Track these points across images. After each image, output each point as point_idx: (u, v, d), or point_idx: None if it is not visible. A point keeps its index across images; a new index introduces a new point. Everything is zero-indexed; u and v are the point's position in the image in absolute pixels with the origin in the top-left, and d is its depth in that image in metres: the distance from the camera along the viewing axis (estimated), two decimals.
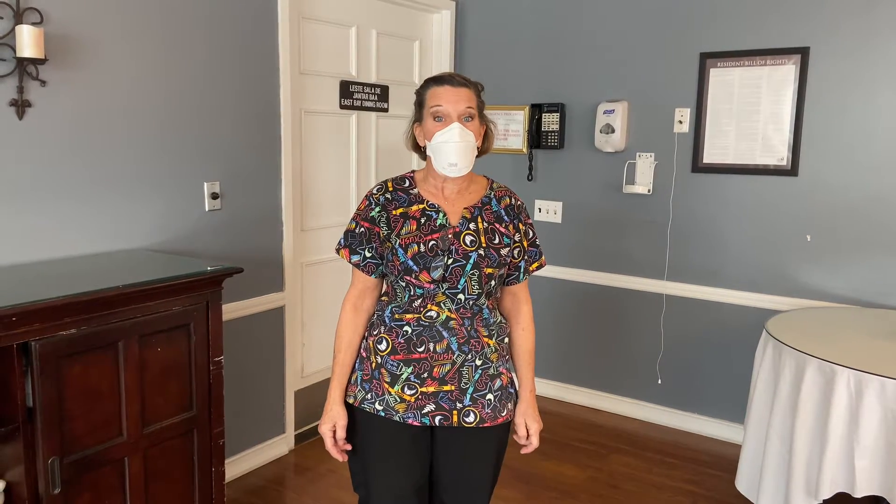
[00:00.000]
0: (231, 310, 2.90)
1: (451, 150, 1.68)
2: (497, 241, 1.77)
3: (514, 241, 1.81)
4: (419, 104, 1.78)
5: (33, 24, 2.16)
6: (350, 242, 1.79)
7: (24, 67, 2.18)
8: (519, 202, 1.87)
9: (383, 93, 3.80)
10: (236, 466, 3.08)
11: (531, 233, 1.87)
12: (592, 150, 3.75)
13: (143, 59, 2.54)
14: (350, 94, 3.62)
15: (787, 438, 2.40)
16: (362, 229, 1.78)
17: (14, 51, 2.13)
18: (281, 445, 3.33)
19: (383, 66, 3.79)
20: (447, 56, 4.11)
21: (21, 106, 2.20)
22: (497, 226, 1.79)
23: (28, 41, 2.10)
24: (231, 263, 2.46)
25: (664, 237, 3.61)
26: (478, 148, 1.78)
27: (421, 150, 1.81)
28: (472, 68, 4.11)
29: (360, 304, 1.82)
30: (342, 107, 3.59)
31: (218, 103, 2.84)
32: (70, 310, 1.88)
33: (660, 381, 3.72)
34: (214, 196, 2.86)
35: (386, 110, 3.83)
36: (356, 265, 1.79)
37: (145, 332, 2.09)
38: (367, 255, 1.77)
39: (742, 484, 2.67)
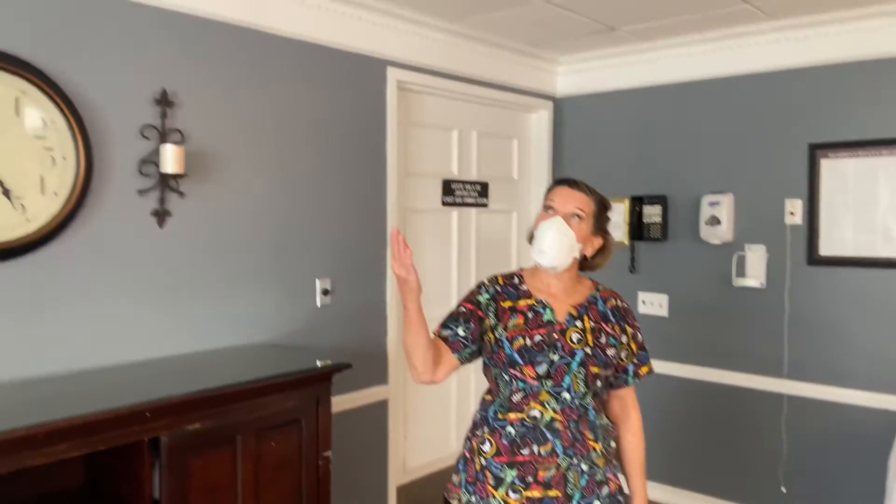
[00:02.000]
0: (336, 403, 2.97)
1: (546, 237, 1.74)
2: (604, 340, 1.77)
3: (622, 343, 1.80)
4: (544, 200, 1.85)
5: (175, 143, 2.42)
6: (446, 320, 1.83)
7: (167, 181, 2.43)
8: (625, 305, 1.87)
9: (483, 189, 3.93)
10: None
11: (639, 336, 1.86)
12: (698, 242, 3.67)
13: (265, 169, 2.77)
14: (451, 191, 3.76)
15: None
16: (463, 310, 1.82)
17: (158, 167, 2.39)
18: None
19: (483, 164, 3.93)
20: (545, 152, 4.21)
21: (161, 215, 2.44)
22: (603, 325, 1.79)
23: (171, 159, 2.36)
24: (339, 357, 2.55)
25: (780, 333, 3.44)
26: (585, 256, 1.81)
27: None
28: (570, 162, 4.18)
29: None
30: (444, 203, 3.72)
31: (330, 205, 3.03)
32: (197, 405, 2.01)
33: (783, 490, 3.45)
34: (325, 292, 3.00)
35: (486, 205, 3.94)
36: (444, 339, 1.79)
37: (261, 426, 2.18)
38: (460, 333, 1.79)
39: None
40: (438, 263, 3.72)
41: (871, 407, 3.18)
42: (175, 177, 2.42)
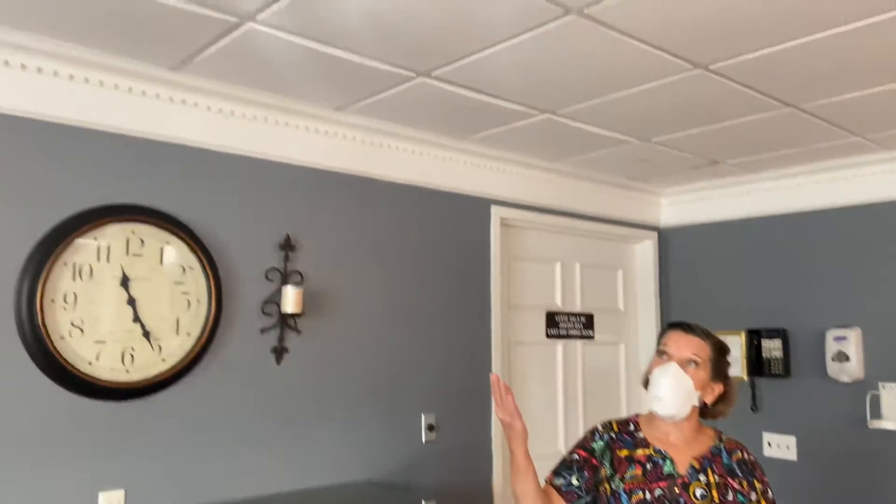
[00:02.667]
0: None
1: (661, 385, 1.69)
2: (731, 497, 1.66)
3: (751, 501, 1.68)
4: (657, 344, 1.82)
5: (295, 284, 2.59)
6: (558, 468, 1.77)
7: (286, 320, 2.58)
8: (752, 457, 1.76)
9: (588, 321, 3.88)
10: None
11: (770, 493, 1.73)
12: (825, 379, 3.43)
13: (374, 306, 2.89)
14: (556, 323, 3.74)
15: None
16: (577, 457, 1.76)
17: (279, 307, 2.55)
18: None
19: (587, 295, 3.91)
20: (651, 282, 4.15)
21: (279, 352, 2.58)
22: (730, 480, 1.68)
23: (291, 299, 2.51)
24: (444, 496, 2.52)
25: None
26: (705, 403, 1.75)
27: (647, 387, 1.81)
28: (678, 293, 4.09)
29: None
30: (548, 336, 3.70)
31: (436, 339, 3.09)
32: None
33: None
34: (430, 427, 3.00)
35: (592, 338, 3.88)
36: (557, 488, 1.73)
37: None
38: (573, 482, 1.72)
39: None
40: (544, 397, 3.65)
41: None
42: (293, 316, 2.57)
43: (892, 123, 2.84)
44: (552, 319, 3.73)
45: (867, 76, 2.34)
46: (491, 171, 3.35)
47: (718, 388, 1.76)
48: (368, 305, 2.87)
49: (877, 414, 3.24)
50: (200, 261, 2.36)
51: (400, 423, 2.92)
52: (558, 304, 3.78)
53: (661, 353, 1.76)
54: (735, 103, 2.61)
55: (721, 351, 1.77)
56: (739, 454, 1.75)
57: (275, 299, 2.57)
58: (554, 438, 3.63)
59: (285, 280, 2.60)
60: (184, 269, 2.34)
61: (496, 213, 3.39)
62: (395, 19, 1.94)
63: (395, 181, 3.00)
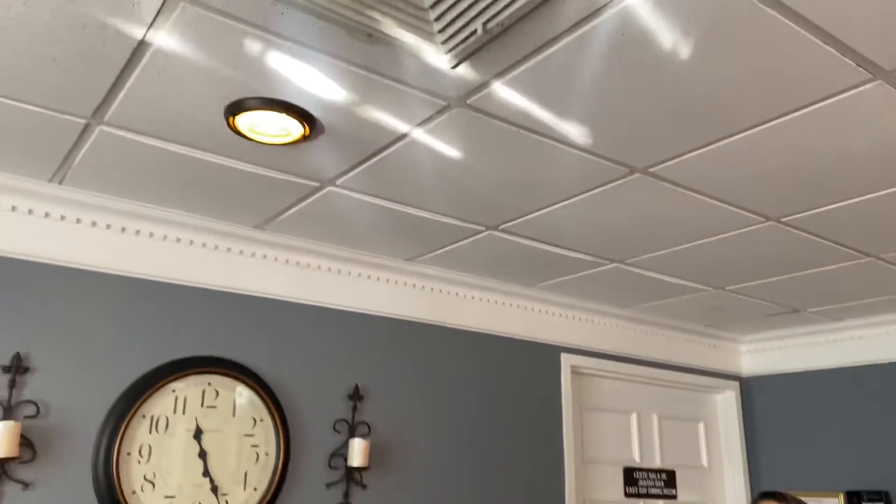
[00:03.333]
0: None
1: None
2: None
3: None
4: None
5: (363, 436, 2.56)
6: None
7: (352, 474, 2.53)
8: None
9: (670, 478, 3.64)
10: None
11: None
12: None
13: (442, 458, 2.81)
14: (634, 480, 3.52)
15: None
16: None
17: (346, 460, 2.51)
18: None
19: (667, 450, 3.69)
20: (736, 436, 3.89)
21: None
22: None
23: (358, 452, 2.48)
24: None
25: None
26: None
27: None
28: (766, 448, 3.81)
29: None
30: (627, 495, 3.47)
31: (506, 491, 2.94)
32: None
33: None
34: None
35: (674, 497, 3.62)
36: None
37: None
38: None
39: None
40: None
41: None
42: (360, 470, 2.51)
43: None
44: (630, 476, 3.51)
45: None
46: (561, 319, 3.33)
47: None
48: (435, 458, 2.79)
49: None
50: (271, 412, 2.38)
51: None
52: (636, 459, 3.57)
53: None
54: (810, 253, 2.55)
55: None
56: None
57: (342, 452, 2.54)
58: None
59: (353, 432, 2.57)
60: (255, 421, 2.36)
61: (566, 360, 3.32)
62: (464, 181, 2.03)
63: (463, 328, 3.01)
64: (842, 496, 3.41)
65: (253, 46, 1.40)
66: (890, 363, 3.41)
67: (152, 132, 1.77)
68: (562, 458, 3.17)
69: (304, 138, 1.74)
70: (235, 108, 1.57)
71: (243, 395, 2.36)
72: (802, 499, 1.67)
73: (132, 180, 2.08)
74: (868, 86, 1.50)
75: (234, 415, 2.33)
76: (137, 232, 2.30)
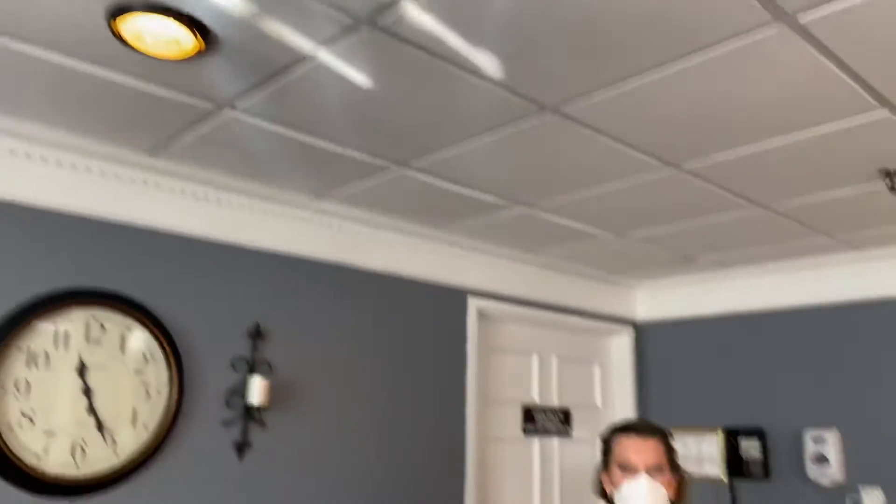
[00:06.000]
0: None
1: (639, 502, 1.60)
2: None
3: None
4: (605, 451, 1.75)
5: (263, 374, 2.50)
6: None
7: (251, 413, 2.47)
8: None
9: (565, 417, 3.79)
10: None
11: None
12: (806, 482, 3.33)
13: (345, 399, 2.79)
14: (533, 418, 3.64)
15: None
16: None
17: (244, 398, 2.45)
18: None
19: (565, 391, 3.83)
20: (629, 377, 4.09)
21: (242, 447, 2.45)
22: None
23: (257, 391, 2.42)
24: None
25: None
26: (671, 500, 1.67)
27: (607, 499, 1.73)
28: (656, 389, 4.03)
29: None
30: (525, 432, 3.59)
31: (410, 433, 2.97)
32: None
33: None
34: None
35: (569, 434, 3.78)
36: None
37: None
38: None
39: None
40: (520, 495, 3.50)
41: None
42: (259, 408, 2.46)
43: (860, 224, 2.90)
44: (529, 414, 3.63)
45: (835, 178, 2.40)
46: (469, 262, 3.34)
47: (676, 480, 1.70)
48: (338, 398, 2.77)
49: None
50: (163, 347, 2.27)
51: None
52: (535, 398, 3.69)
53: (623, 468, 1.68)
54: (707, 202, 2.65)
55: (671, 443, 1.72)
56: None
57: (240, 390, 2.47)
58: None
59: (252, 370, 2.51)
60: (145, 358, 2.25)
61: (473, 304, 3.35)
62: (373, 111, 1.96)
63: (370, 269, 2.97)
64: (721, 432, 3.66)
65: None
66: (771, 311, 3.65)
67: (25, 36, 1.59)
68: (464, 398, 3.23)
69: (199, 54, 1.61)
70: (117, 10, 1.42)
71: (133, 330, 2.24)
72: (665, 428, 1.75)
73: (4, 93, 1.88)
74: (768, 29, 1.53)
75: (122, 351, 2.21)
76: (12, 151, 2.09)
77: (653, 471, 1.65)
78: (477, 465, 3.23)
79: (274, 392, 2.51)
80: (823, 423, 3.33)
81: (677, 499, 1.72)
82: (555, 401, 3.78)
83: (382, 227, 2.98)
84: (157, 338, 2.26)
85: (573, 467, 3.76)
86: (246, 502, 2.44)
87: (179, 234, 2.43)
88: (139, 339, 2.25)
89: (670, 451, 1.72)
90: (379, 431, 2.88)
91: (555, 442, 3.72)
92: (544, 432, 3.68)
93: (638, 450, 1.68)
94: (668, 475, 1.68)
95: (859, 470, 3.21)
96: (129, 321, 2.23)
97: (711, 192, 2.53)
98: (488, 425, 3.41)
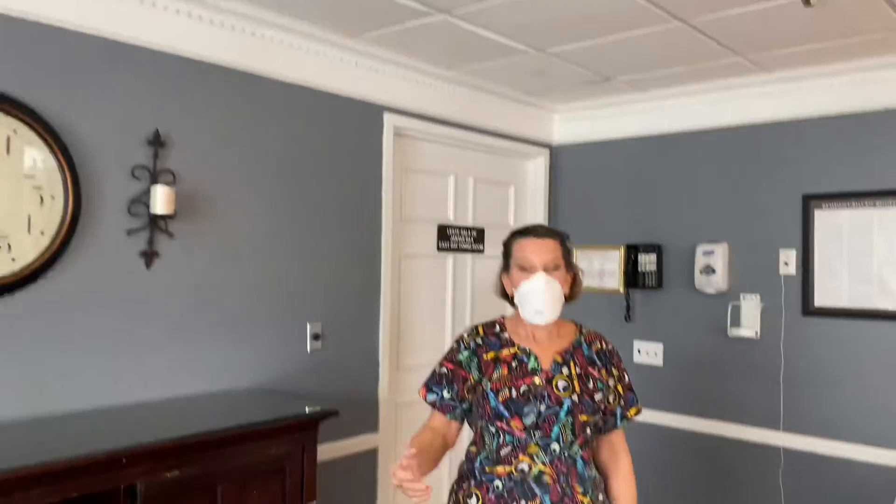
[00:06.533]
0: (324, 451, 2.89)
1: (537, 299, 1.71)
2: (591, 386, 1.73)
3: (609, 387, 1.77)
4: (506, 255, 1.83)
5: (166, 183, 2.42)
6: (429, 382, 1.81)
7: (156, 222, 2.42)
8: (610, 346, 1.84)
9: (479, 235, 3.91)
10: None
11: (626, 377, 1.83)
12: (693, 291, 3.64)
13: (257, 212, 2.76)
14: (447, 237, 3.74)
15: None
16: (445, 370, 1.79)
17: (148, 208, 2.38)
18: None
19: (480, 211, 3.92)
20: (542, 199, 4.22)
21: (149, 256, 2.42)
22: (590, 370, 1.76)
23: (161, 199, 2.35)
24: (328, 403, 2.49)
25: (777, 384, 3.38)
26: (566, 295, 1.79)
27: (509, 299, 1.84)
28: (566, 210, 4.19)
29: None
30: (439, 249, 3.71)
31: (324, 248, 3.01)
32: (176, 452, 1.95)
33: None
34: (316, 337, 2.96)
35: (482, 251, 3.93)
36: (432, 404, 1.79)
37: (243, 475, 2.11)
38: (445, 395, 1.77)
39: None
40: (433, 309, 3.68)
41: (871, 462, 3.10)
42: (165, 217, 2.40)
43: (771, 44, 2.94)
44: (444, 233, 3.72)
45: None
46: (385, 76, 3.21)
47: (570, 276, 1.81)
48: (250, 210, 2.74)
49: (736, 323, 3.50)
50: (54, 152, 2.13)
51: (284, 332, 2.86)
52: (450, 218, 3.77)
53: (522, 268, 1.76)
54: (629, 13, 2.60)
55: (567, 244, 1.82)
56: (599, 345, 1.83)
57: (143, 199, 2.39)
58: (442, 348, 3.68)
59: (155, 179, 2.41)
60: (35, 162, 2.11)
61: (389, 120, 3.28)
62: None
63: (281, 80, 2.82)
64: (622, 249, 3.90)
65: None
66: (675, 133, 3.76)
67: None
68: (380, 216, 3.25)
69: None
70: None
71: (19, 132, 2.08)
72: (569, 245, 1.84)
73: None
74: None
75: (7, 152, 2.06)
76: None
77: (550, 269, 1.74)
78: (391, 281, 3.34)
79: (180, 202, 2.45)
80: (715, 238, 3.59)
81: (571, 294, 1.85)
82: (470, 220, 3.88)
83: (294, 32, 2.78)
84: (45, 140, 2.11)
85: (485, 283, 3.94)
86: (155, 311, 2.45)
87: (69, 29, 2.20)
88: (26, 140, 2.09)
89: (566, 251, 1.81)
90: (292, 245, 2.89)
91: (468, 258, 3.87)
92: (458, 250, 3.80)
93: (535, 250, 1.76)
94: (563, 272, 1.78)
95: (741, 279, 3.52)
96: (14, 123, 2.06)
97: (629, 1, 2.48)
98: (404, 243, 3.49)
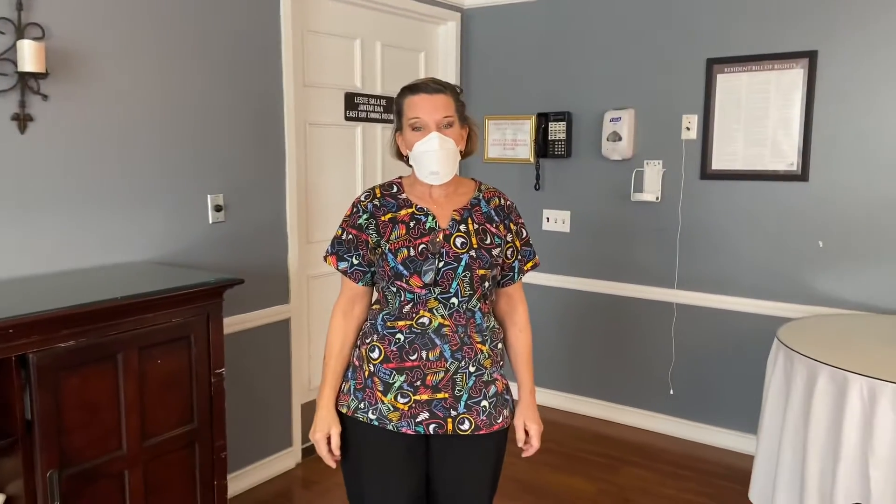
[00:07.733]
0: (236, 322, 2.89)
1: (432, 158, 1.68)
2: (488, 241, 1.76)
3: (507, 241, 1.80)
4: (398, 114, 1.77)
5: (35, 38, 2.19)
6: (337, 250, 1.79)
7: (26, 82, 2.20)
8: (509, 202, 1.85)
9: (389, 104, 3.80)
10: (242, 480, 3.06)
11: (524, 232, 1.86)
12: (600, 159, 3.71)
13: (144, 72, 2.56)
14: (355, 105, 3.62)
15: (799, 449, 2.33)
16: (350, 236, 1.77)
17: (16, 65, 2.16)
18: (288, 459, 3.31)
19: (388, 78, 3.79)
20: (453, 67, 4.11)
21: (23, 120, 2.22)
22: (488, 226, 1.77)
23: (29, 56, 2.12)
24: (235, 275, 2.45)
25: (673, 245, 3.56)
26: (461, 152, 1.77)
27: (404, 159, 1.80)
28: (478, 78, 4.11)
29: (349, 310, 1.82)
30: (347, 118, 3.59)
31: (221, 116, 2.85)
32: (68, 322, 1.88)
33: (672, 392, 3.66)
34: (218, 208, 2.86)
35: (391, 121, 3.83)
36: (343, 272, 1.79)
37: (145, 343, 2.08)
38: (355, 262, 1.77)
39: (755, 495, 2.61)
40: (343, 181, 3.61)
41: (752, 313, 3.37)
42: (35, 76, 2.19)
43: None
44: (351, 101, 3.59)
45: None
46: None
47: (465, 131, 1.79)
48: (136, 72, 2.53)
49: (639, 188, 3.61)
50: None
51: (182, 204, 2.74)
52: (358, 85, 3.63)
53: (414, 128, 1.70)
54: None
55: (460, 95, 1.78)
56: (497, 201, 1.84)
57: (10, 57, 2.16)
58: None
59: (21, 34, 2.17)
60: None
61: None
62: None
63: None
64: (533, 117, 3.89)
65: None
66: None
67: None
68: (280, 81, 3.09)
69: None
70: None
71: None
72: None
73: None
74: None
75: None
76: None
77: (443, 127, 1.70)
78: (297, 151, 3.22)
79: (52, 59, 2.23)
80: (622, 105, 3.62)
81: (467, 150, 1.82)
82: (378, 89, 3.75)
83: None
84: None
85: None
86: (35, 180, 2.28)
87: None
88: None
89: (460, 105, 1.76)
90: (182, 108, 2.71)
91: (378, 128, 3.77)
92: (367, 119, 3.69)
93: (427, 108, 1.69)
94: (457, 128, 1.74)
95: (645, 146, 3.60)
96: None
97: None
98: (308, 111, 3.35)
